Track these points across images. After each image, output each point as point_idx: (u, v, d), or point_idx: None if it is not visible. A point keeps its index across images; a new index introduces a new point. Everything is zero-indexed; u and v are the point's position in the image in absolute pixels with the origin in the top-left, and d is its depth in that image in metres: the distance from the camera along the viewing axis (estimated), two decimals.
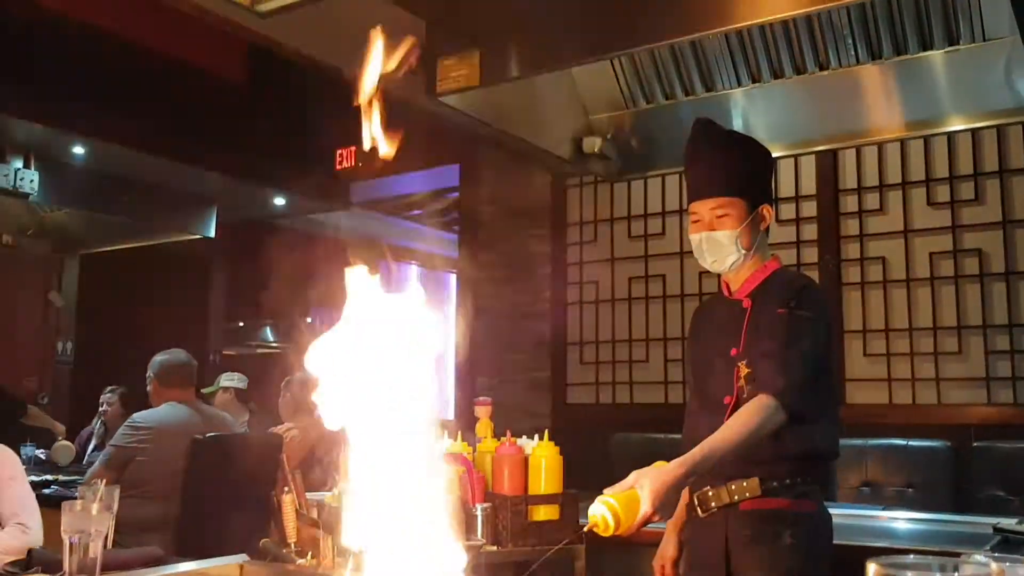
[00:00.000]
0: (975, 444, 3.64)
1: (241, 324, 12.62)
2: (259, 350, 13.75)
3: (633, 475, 1.92)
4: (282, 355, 12.97)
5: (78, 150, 6.19)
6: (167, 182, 6.67)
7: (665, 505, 1.91)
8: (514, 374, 6.16)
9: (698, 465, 1.98)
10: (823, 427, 2.20)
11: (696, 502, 2.22)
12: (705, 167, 2.30)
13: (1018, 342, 4.52)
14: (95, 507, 1.76)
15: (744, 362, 2.16)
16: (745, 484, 2.12)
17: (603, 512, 1.82)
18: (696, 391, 2.38)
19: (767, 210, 2.31)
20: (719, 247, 2.24)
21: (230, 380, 6.00)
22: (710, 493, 2.18)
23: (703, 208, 2.27)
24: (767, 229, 2.34)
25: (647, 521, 1.87)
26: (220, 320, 9.36)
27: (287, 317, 12.47)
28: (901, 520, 3.04)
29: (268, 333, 12.85)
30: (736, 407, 2.13)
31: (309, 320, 12.19)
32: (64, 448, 5.54)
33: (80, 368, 8.19)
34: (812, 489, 2.17)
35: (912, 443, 3.60)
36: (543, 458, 2.25)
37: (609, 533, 1.83)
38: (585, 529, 1.85)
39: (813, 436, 2.17)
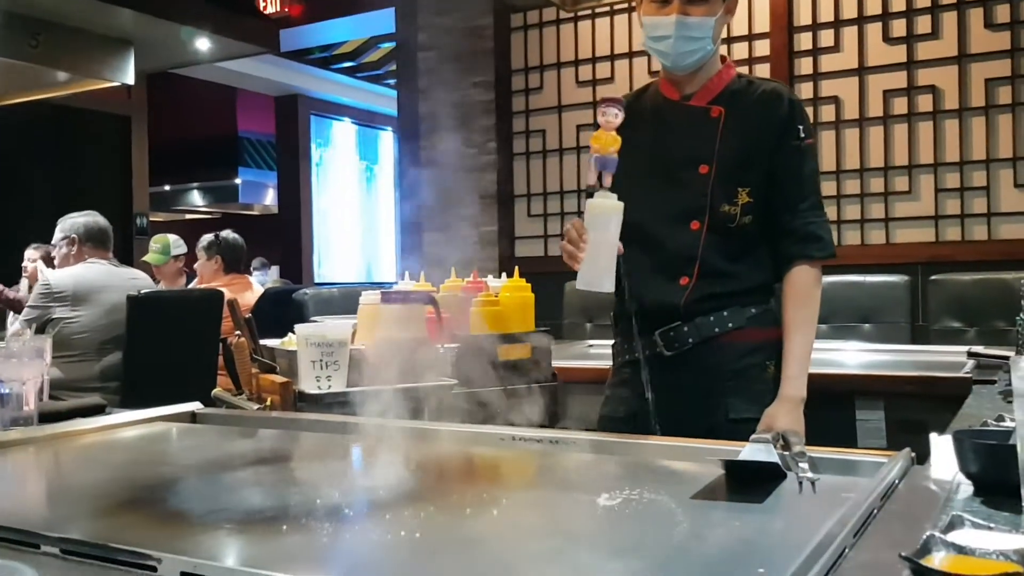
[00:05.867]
0: (932, 278, 3.63)
1: (167, 188, 12.16)
2: (187, 215, 13.34)
3: (765, 421, 1.77)
4: (214, 220, 12.60)
5: None
6: (78, 22, 6.09)
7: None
8: (461, 229, 6.01)
9: (804, 379, 1.83)
10: None
11: (660, 341, 1.91)
12: None
13: (968, 179, 4.52)
14: (25, 354, 1.59)
15: (736, 185, 1.88)
16: (727, 314, 1.89)
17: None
18: (639, 211, 1.89)
19: (735, 3, 1.96)
20: (692, 37, 1.87)
21: (179, 248, 5.56)
22: (685, 328, 1.90)
23: None
24: (728, 26, 2.06)
25: None
26: (144, 183, 8.90)
27: (216, 179, 12.05)
28: (870, 352, 3.02)
29: (197, 196, 12.43)
30: (710, 231, 1.89)
31: (238, 182, 11.81)
32: None
33: None
34: (778, 316, 1.92)
35: (868, 279, 3.57)
36: (513, 296, 2.12)
37: None
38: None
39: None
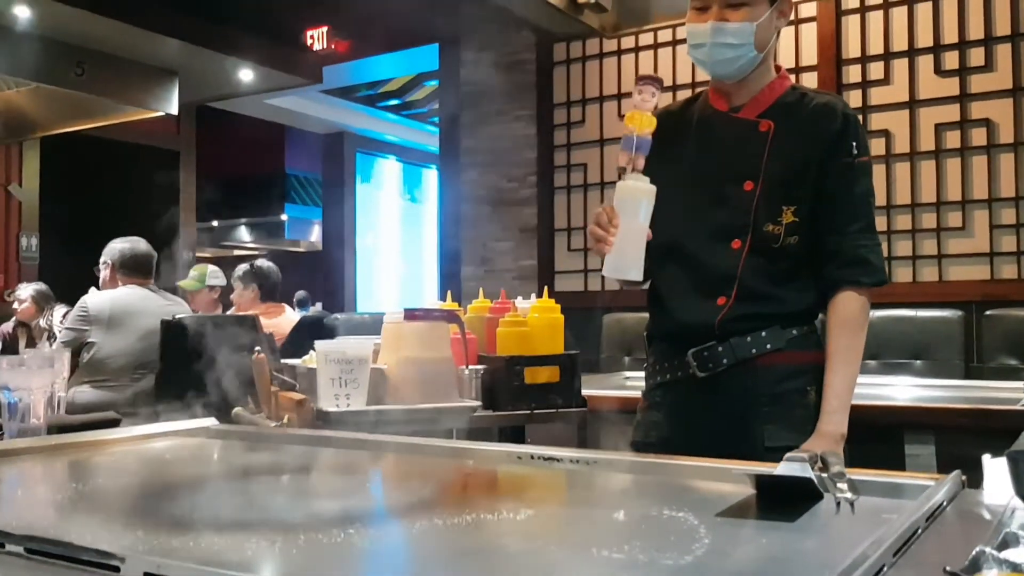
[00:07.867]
0: (987, 313, 3.48)
1: (215, 223, 12.31)
2: (235, 251, 13.49)
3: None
4: (260, 257, 12.71)
5: (22, 12, 5.49)
6: (123, 51, 6.14)
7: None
8: (500, 263, 5.96)
9: (844, 415, 1.73)
10: None
11: (693, 361, 1.79)
12: None
13: None
14: (34, 363, 1.55)
15: (782, 203, 1.76)
16: (765, 335, 1.77)
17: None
18: (677, 227, 1.84)
19: (788, 6, 1.83)
20: (729, 44, 1.77)
21: (216, 279, 5.55)
22: (719, 349, 1.77)
23: None
24: (779, 33, 1.86)
25: None
26: (191, 218, 9.02)
27: (263, 215, 12.18)
28: (920, 387, 2.88)
29: (244, 233, 12.56)
30: (752, 252, 1.77)
31: (285, 218, 11.92)
32: None
33: (47, 263, 7.88)
34: (822, 338, 1.80)
35: (920, 313, 3.43)
36: (541, 317, 2.05)
37: None
38: None
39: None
